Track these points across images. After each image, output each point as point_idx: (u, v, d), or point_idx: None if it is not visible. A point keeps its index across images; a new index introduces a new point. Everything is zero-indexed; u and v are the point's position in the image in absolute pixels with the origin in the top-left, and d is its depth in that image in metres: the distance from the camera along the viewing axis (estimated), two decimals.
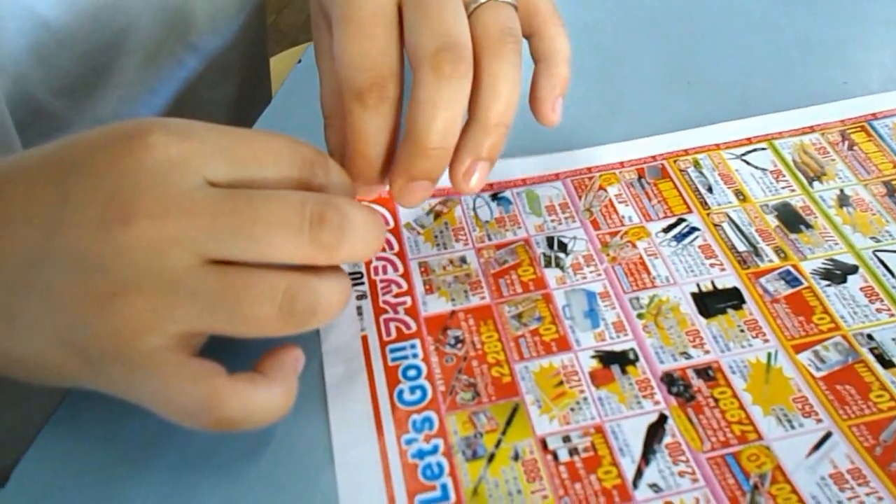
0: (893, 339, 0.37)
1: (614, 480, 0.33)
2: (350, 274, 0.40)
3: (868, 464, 0.33)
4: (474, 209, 0.44)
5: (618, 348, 0.38)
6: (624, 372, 0.37)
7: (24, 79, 0.45)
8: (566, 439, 0.34)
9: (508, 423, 0.35)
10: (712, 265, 0.41)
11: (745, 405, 0.35)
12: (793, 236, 0.42)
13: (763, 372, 0.36)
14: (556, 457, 0.34)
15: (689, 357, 0.37)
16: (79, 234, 0.29)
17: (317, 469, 0.34)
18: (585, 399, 0.36)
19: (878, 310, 0.39)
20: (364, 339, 0.38)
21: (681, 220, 0.43)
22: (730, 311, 0.39)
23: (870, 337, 0.37)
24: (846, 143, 0.47)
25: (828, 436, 0.34)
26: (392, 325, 0.38)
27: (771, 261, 0.41)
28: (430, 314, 0.39)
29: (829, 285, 0.40)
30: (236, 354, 0.31)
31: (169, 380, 0.30)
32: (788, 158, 0.46)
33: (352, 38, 0.34)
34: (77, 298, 0.29)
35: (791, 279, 0.40)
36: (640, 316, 0.39)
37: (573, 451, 0.34)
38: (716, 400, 0.36)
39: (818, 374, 0.36)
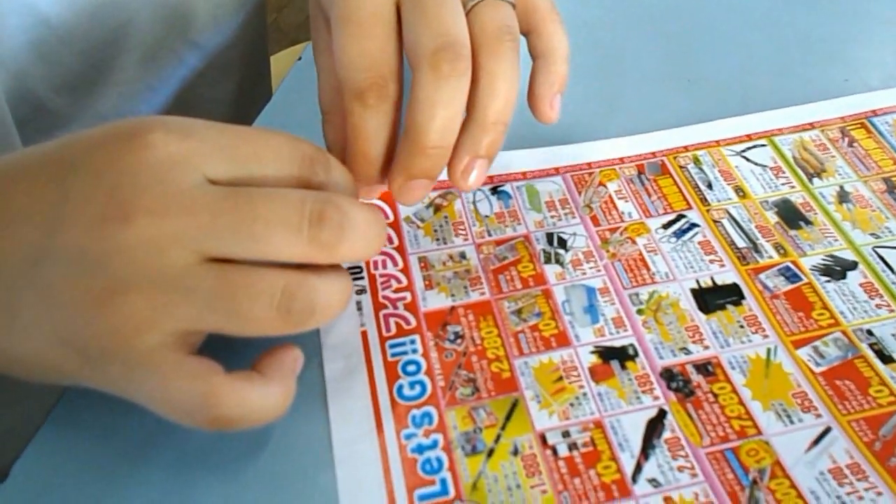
0: (893, 335, 0.37)
1: (613, 475, 0.33)
2: (349, 269, 0.40)
3: (867, 459, 0.33)
4: (474, 203, 0.44)
5: (617, 344, 0.38)
6: (623, 367, 0.37)
7: (24, 75, 0.45)
8: (565, 434, 0.34)
9: (508, 418, 0.35)
10: (712, 261, 0.41)
11: (744, 400, 0.35)
12: (792, 233, 0.42)
13: (762, 367, 0.36)
14: (555, 452, 0.34)
15: (688, 352, 0.37)
16: (79, 232, 0.29)
17: (316, 465, 0.34)
18: (585, 394, 0.36)
19: (877, 305, 0.39)
20: (364, 335, 0.38)
21: (680, 217, 0.43)
22: (729, 306, 0.39)
23: (869, 332, 0.37)
24: (846, 139, 0.47)
25: (827, 431, 0.34)
26: (392, 321, 0.39)
27: (770, 257, 0.41)
28: (430, 310, 0.39)
29: (828, 281, 0.40)
30: (235, 353, 0.31)
31: (167, 378, 0.30)
32: (788, 155, 0.46)
33: (351, 37, 0.34)
34: (77, 297, 0.29)
35: (790, 275, 0.40)
36: (639, 312, 0.39)
37: (572, 446, 0.34)
38: (715, 395, 0.36)
39: (818, 370, 0.36)
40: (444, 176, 0.35)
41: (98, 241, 0.29)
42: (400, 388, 0.36)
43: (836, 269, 0.40)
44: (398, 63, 0.34)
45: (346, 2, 0.34)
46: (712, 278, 0.40)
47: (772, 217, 0.43)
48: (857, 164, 0.45)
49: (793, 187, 0.44)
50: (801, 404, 0.35)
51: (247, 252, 0.30)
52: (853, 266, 0.40)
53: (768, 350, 0.37)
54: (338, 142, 0.38)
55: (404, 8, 0.34)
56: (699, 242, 0.42)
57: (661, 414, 0.35)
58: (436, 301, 0.39)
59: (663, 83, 0.51)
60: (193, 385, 0.30)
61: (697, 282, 0.40)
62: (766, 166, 0.45)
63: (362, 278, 0.40)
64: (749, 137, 0.47)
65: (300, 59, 0.54)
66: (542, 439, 0.34)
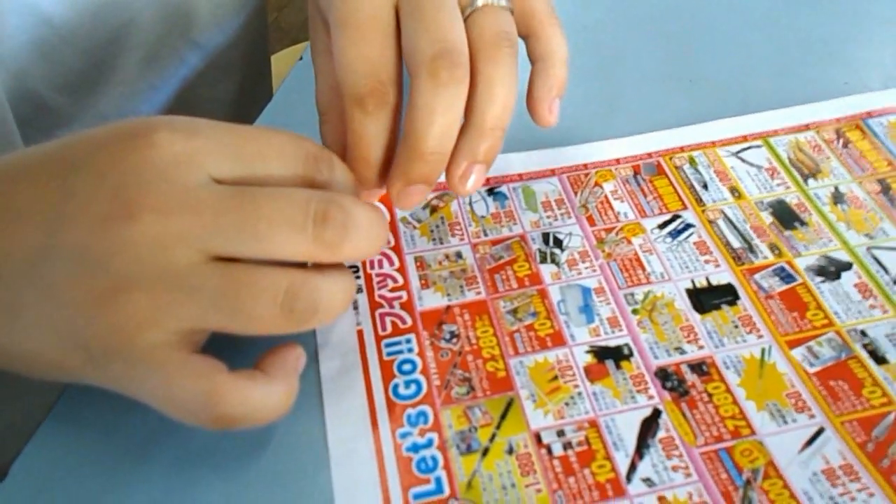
0: (886, 336, 0.37)
1: (608, 474, 0.33)
2: None
3: (860, 460, 0.33)
4: (470, 204, 0.44)
5: (612, 343, 0.38)
6: (618, 367, 0.37)
7: (25, 74, 0.45)
8: (560, 433, 0.35)
9: (503, 417, 0.35)
10: (707, 261, 0.41)
11: (738, 400, 0.35)
12: (787, 233, 0.42)
13: (757, 367, 0.37)
14: (550, 451, 0.34)
15: (683, 352, 0.37)
16: (82, 230, 0.30)
17: (315, 464, 0.34)
18: (580, 394, 0.36)
19: (871, 306, 0.39)
20: (360, 334, 0.38)
21: (676, 217, 0.43)
22: (724, 306, 0.39)
23: (863, 333, 0.38)
24: (841, 140, 0.47)
25: (820, 431, 0.34)
26: (388, 320, 0.39)
27: (765, 257, 0.41)
28: (426, 309, 0.39)
29: (822, 282, 0.40)
30: (238, 352, 0.31)
31: (170, 376, 0.30)
32: (783, 156, 0.46)
33: (351, 43, 0.34)
34: (80, 295, 0.30)
35: (785, 275, 0.40)
36: (634, 311, 0.39)
37: (567, 446, 0.34)
38: (709, 395, 0.36)
39: (811, 370, 0.36)
40: (441, 178, 0.36)
41: (102, 239, 0.29)
42: (395, 387, 0.36)
43: (831, 270, 0.40)
44: (397, 68, 0.35)
45: (344, 5, 0.35)
46: (707, 278, 0.40)
47: (767, 218, 0.43)
48: (851, 165, 0.45)
49: (788, 188, 0.44)
50: (795, 404, 0.35)
51: (251, 250, 0.30)
52: (847, 267, 0.40)
53: (763, 350, 0.37)
54: (336, 142, 0.38)
55: (403, 12, 0.35)
56: (694, 243, 0.42)
57: (656, 413, 0.35)
58: (432, 300, 0.40)
59: (663, 85, 0.51)
60: (196, 383, 0.30)
61: (692, 282, 0.40)
62: (761, 167, 0.45)
63: (359, 277, 0.40)
64: (744, 138, 0.47)
65: (301, 59, 0.54)
66: (537, 438, 0.35)
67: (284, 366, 0.32)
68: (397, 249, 0.42)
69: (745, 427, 0.35)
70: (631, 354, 0.37)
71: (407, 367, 0.37)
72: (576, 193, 0.44)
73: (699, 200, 0.44)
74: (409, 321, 0.39)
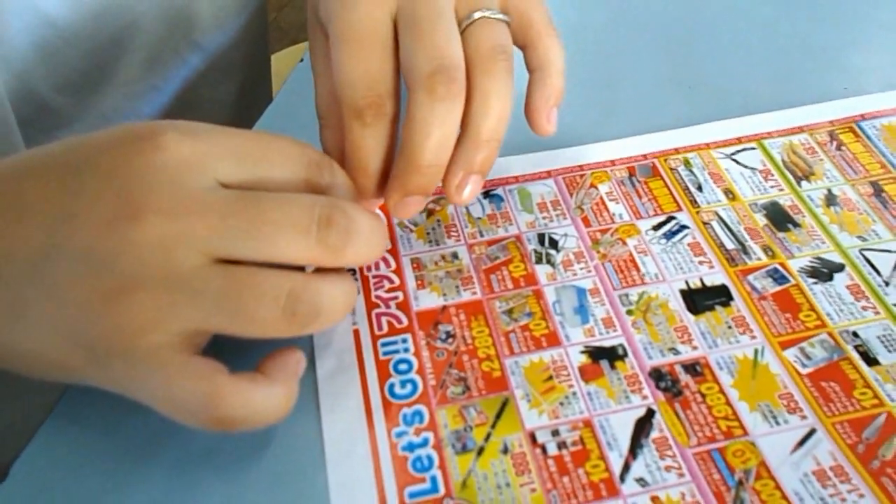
0: (878, 337, 0.38)
1: (602, 474, 0.34)
2: None
3: (850, 461, 0.34)
4: (466, 206, 0.44)
5: (607, 344, 0.38)
6: (613, 367, 0.37)
7: (27, 75, 0.45)
8: (555, 433, 0.35)
9: (498, 416, 0.36)
10: (701, 263, 0.41)
11: (731, 401, 0.36)
12: (780, 235, 0.42)
13: (750, 368, 0.37)
14: (544, 450, 0.35)
15: (677, 353, 0.38)
16: (87, 230, 0.30)
17: (314, 464, 0.34)
18: (574, 394, 0.36)
19: (863, 308, 0.39)
20: (356, 334, 0.39)
21: (670, 218, 0.43)
22: (718, 307, 0.39)
23: (855, 334, 0.38)
24: (834, 143, 0.47)
25: (812, 432, 0.35)
26: (384, 320, 0.39)
27: (759, 259, 0.41)
28: (422, 309, 0.40)
29: (815, 283, 0.40)
30: (239, 355, 0.31)
31: (171, 377, 0.30)
32: (777, 158, 0.46)
33: (350, 56, 0.35)
34: (83, 295, 0.30)
35: (778, 277, 0.40)
36: (629, 312, 0.39)
37: (562, 445, 0.35)
38: (703, 395, 0.36)
39: (804, 371, 0.37)
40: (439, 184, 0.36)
41: (106, 240, 0.30)
42: (391, 386, 0.37)
43: (823, 272, 0.41)
44: (395, 80, 0.35)
45: (344, 17, 0.35)
46: (701, 279, 0.40)
47: (760, 219, 0.43)
48: (844, 167, 0.46)
49: (781, 190, 0.45)
50: (787, 405, 0.36)
51: (255, 253, 0.30)
52: (840, 268, 0.41)
53: (756, 351, 0.38)
54: (336, 148, 0.38)
55: (401, 26, 0.35)
56: (688, 244, 0.42)
57: (650, 413, 0.36)
58: (427, 300, 0.40)
59: (661, 89, 0.51)
60: (198, 385, 0.30)
61: (686, 283, 0.40)
62: (755, 169, 0.46)
63: (355, 278, 0.41)
64: (739, 140, 0.47)
65: (302, 60, 0.54)
66: (532, 438, 0.35)
67: (285, 369, 0.33)
68: (394, 252, 0.42)
69: (738, 428, 0.35)
70: (625, 355, 0.38)
71: (403, 366, 0.37)
72: (571, 195, 0.45)
73: (693, 202, 0.44)
74: (406, 321, 0.39)
